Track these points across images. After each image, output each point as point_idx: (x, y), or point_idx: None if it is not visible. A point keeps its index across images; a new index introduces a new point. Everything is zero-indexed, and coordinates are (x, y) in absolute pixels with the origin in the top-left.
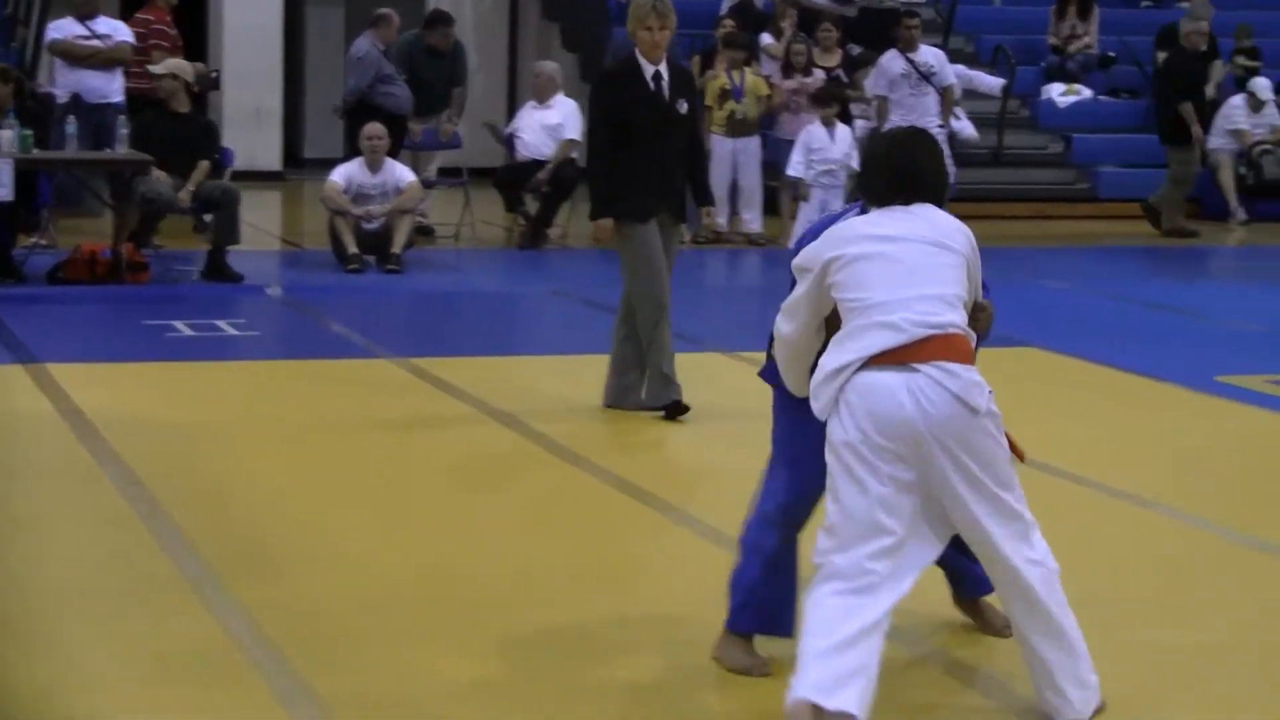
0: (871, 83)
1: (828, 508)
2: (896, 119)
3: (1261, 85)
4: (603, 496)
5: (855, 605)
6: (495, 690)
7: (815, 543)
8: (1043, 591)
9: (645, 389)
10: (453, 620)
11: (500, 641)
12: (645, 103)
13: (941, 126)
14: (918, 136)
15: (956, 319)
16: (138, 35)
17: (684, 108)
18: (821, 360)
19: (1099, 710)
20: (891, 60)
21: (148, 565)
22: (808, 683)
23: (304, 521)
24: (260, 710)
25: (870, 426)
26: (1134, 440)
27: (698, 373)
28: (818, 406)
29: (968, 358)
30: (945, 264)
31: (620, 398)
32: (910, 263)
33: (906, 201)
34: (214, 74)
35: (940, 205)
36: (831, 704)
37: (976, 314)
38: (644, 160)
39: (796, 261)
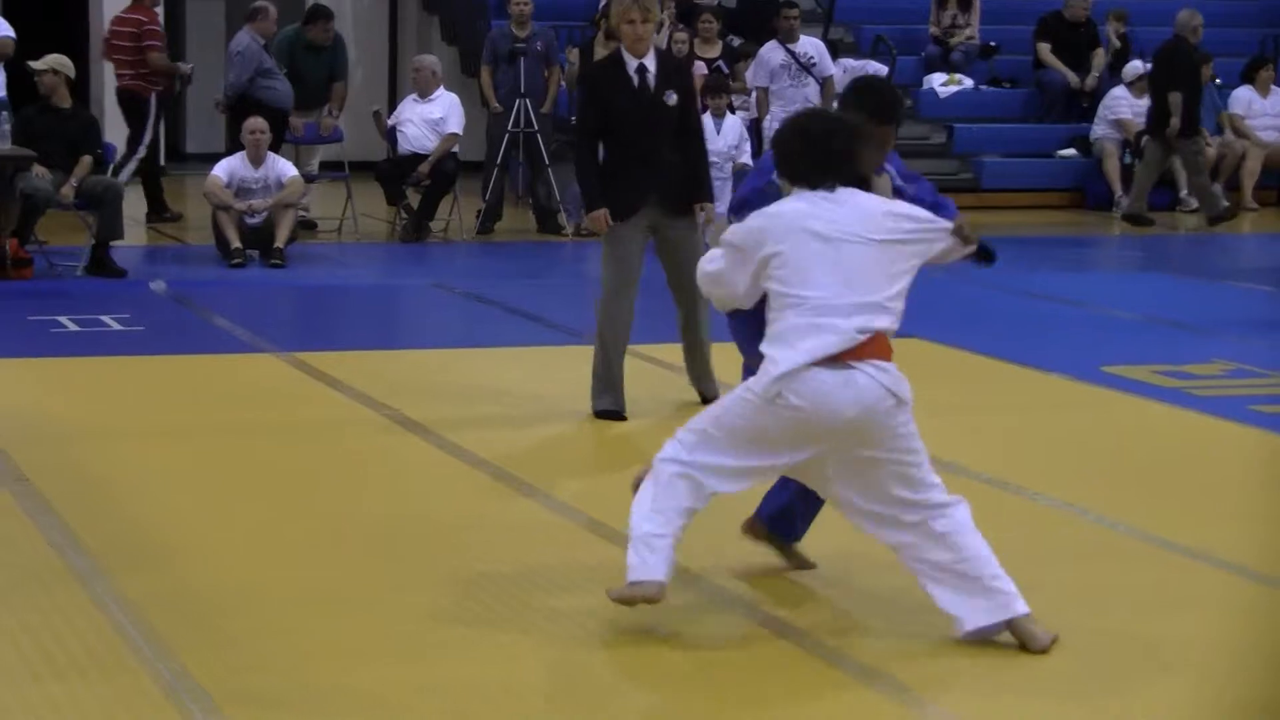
0: (751, 74)
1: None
2: (777, 110)
3: (1134, 69)
4: (482, 486)
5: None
6: (380, 684)
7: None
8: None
9: (593, 386)
10: (339, 615)
11: (387, 635)
12: (628, 96)
13: None
14: (839, 122)
15: (887, 323)
16: (130, 34)
17: (672, 99)
18: (769, 353)
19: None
20: (771, 51)
21: (33, 560)
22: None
23: (190, 516)
24: (147, 704)
25: (808, 419)
26: (1018, 431)
27: (584, 364)
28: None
29: (891, 354)
30: (881, 262)
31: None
32: (850, 264)
33: (831, 186)
34: (190, 68)
35: (859, 187)
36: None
37: (959, 234)
38: (628, 155)
39: (732, 239)
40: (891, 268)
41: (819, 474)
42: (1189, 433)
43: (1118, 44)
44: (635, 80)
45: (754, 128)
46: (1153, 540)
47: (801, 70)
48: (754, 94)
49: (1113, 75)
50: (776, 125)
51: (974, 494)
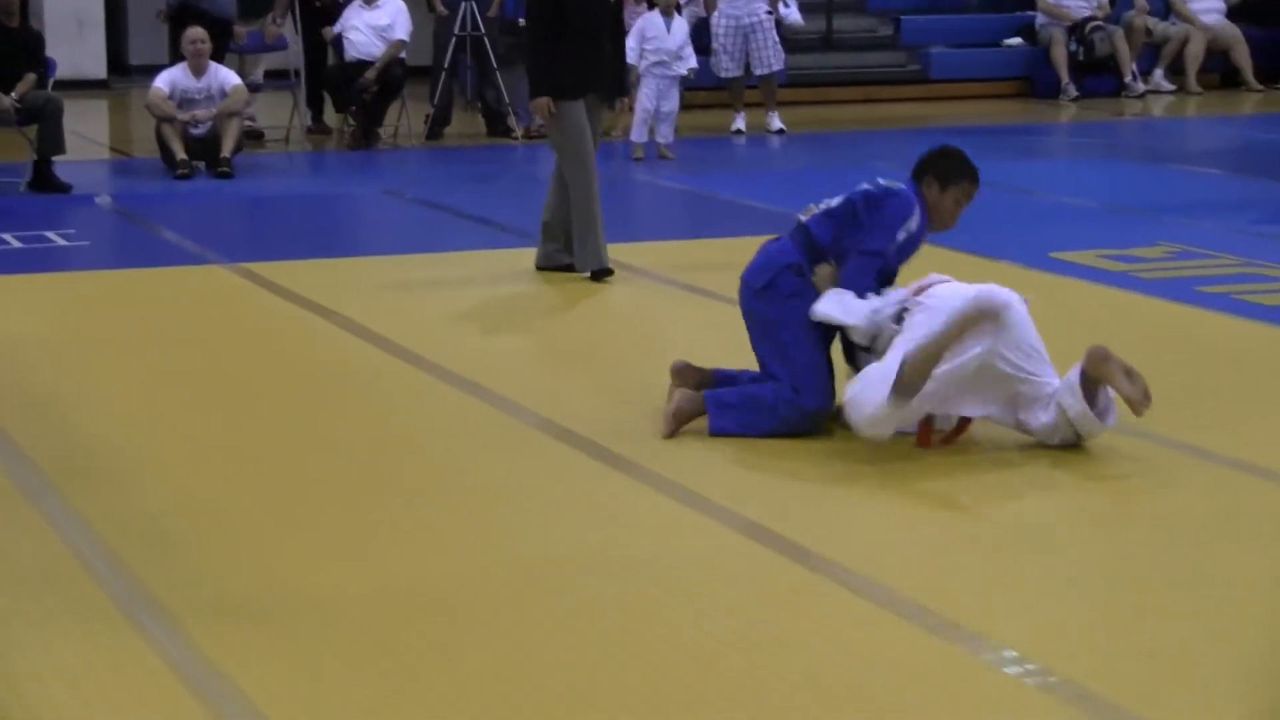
0: None
1: None
2: (724, 6)
3: None
4: (436, 391)
5: None
6: (335, 588)
7: None
8: None
9: (575, 255)
10: (294, 524)
11: (342, 541)
12: None
13: (769, 13)
14: None
15: None
16: None
17: None
18: None
19: None
20: None
21: None
22: None
23: (142, 430)
24: (102, 619)
25: None
26: None
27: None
28: None
29: None
30: None
31: (548, 260)
32: None
33: None
34: None
35: None
36: None
37: None
38: (575, 44)
39: None
40: None
41: None
42: (1135, 315)
43: None
44: None
45: (704, 26)
46: None
47: None
48: None
49: None
50: (723, 22)
51: None
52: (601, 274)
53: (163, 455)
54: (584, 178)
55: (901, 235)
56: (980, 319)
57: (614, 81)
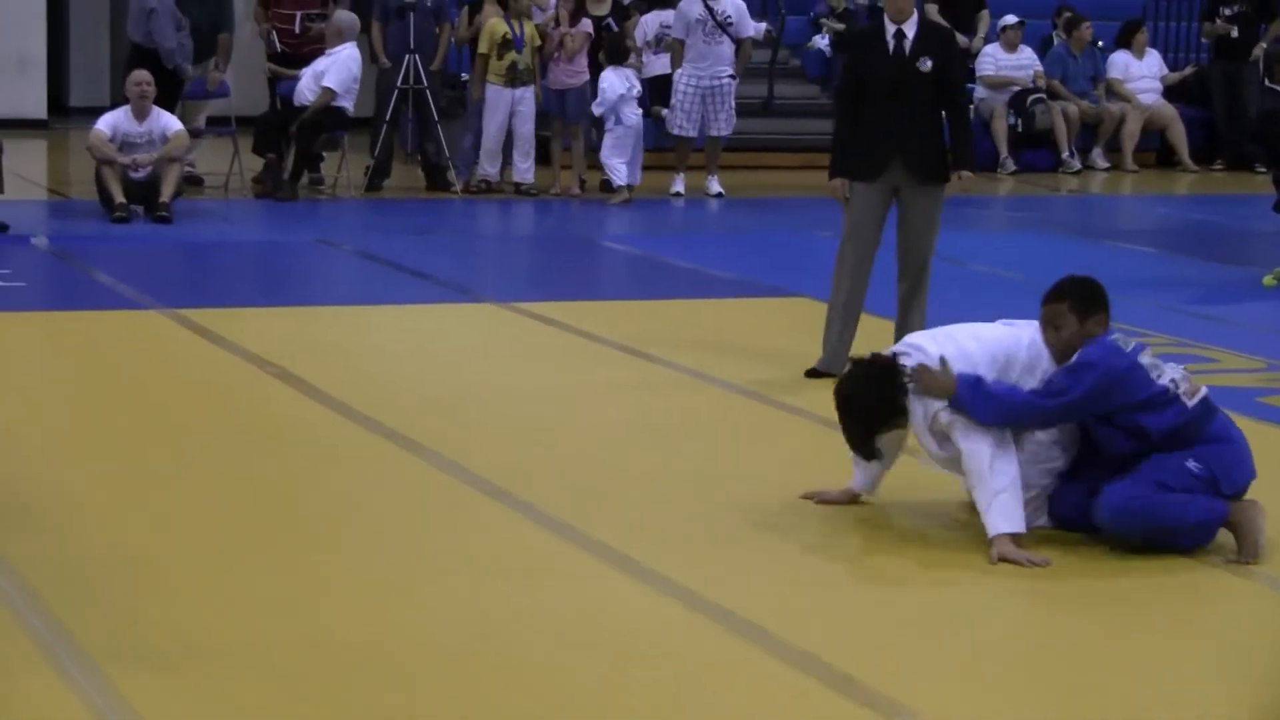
0: (672, 24)
1: None
2: (689, 64)
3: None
4: (368, 444)
5: None
6: (261, 643)
7: None
8: None
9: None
10: (222, 574)
11: (270, 593)
12: (881, 62)
13: (733, 77)
14: None
15: None
16: None
17: (926, 66)
18: None
19: None
20: (690, 4)
21: None
22: None
23: (71, 476)
24: (25, 666)
25: None
26: None
27: (472, 322)
28: None
29: None
30: None
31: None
32: None
33: None
34: None
35: None
36: None
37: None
38: (877, 119)
39: None
40: None
41: None
42: None
43: None
44: (891, 45)
45: (666, 81)
46: None
47: (717, 28)
48: (641, 52)
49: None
50: (686, 80)
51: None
52: (812, 374)
53: (93, 502)
54: (845, 268)
55: None
56: None
57: (956, 155)
